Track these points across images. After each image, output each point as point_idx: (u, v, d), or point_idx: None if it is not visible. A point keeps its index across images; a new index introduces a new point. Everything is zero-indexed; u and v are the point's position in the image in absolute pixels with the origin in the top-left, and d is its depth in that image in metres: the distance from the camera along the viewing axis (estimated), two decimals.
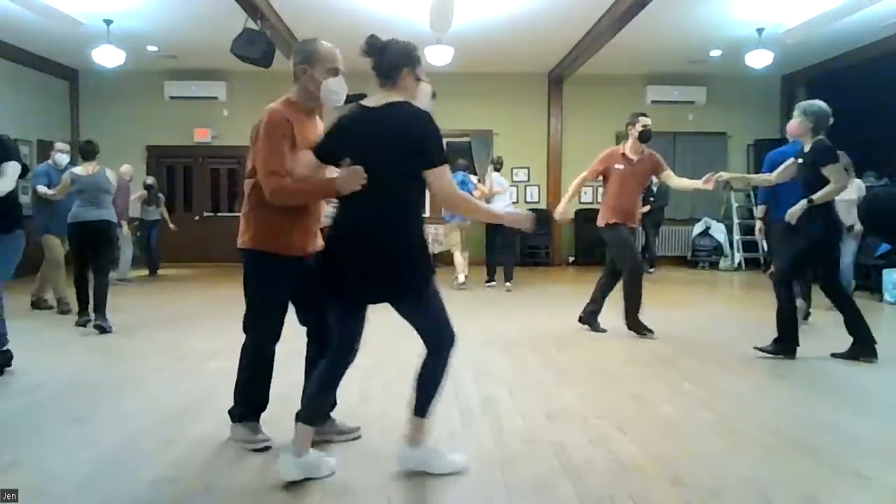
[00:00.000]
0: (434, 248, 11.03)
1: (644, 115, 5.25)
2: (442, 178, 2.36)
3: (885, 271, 7.07)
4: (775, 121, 11.41)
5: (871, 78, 9.14)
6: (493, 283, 8.58)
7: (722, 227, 11.29)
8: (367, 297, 2.46)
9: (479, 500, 2.33)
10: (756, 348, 4.42)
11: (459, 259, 8.47)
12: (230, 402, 2.82)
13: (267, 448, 2.72)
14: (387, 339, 5.07)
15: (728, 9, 7.88)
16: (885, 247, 7.50)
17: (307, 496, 2.33)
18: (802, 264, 4.66)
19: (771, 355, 4.36)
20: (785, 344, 4.36)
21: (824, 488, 2.39)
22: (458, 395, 3.54)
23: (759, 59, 8.82)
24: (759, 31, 8.53)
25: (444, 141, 10.85)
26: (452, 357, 2.47)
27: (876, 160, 8.49)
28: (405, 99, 2.43)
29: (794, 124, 4.57)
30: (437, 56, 8.73)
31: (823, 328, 5.58)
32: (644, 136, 5.17)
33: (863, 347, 4.30)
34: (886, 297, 6.94)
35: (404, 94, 2.45)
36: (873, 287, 7.32)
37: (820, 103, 4.36)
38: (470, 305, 6.83)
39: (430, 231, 11.05)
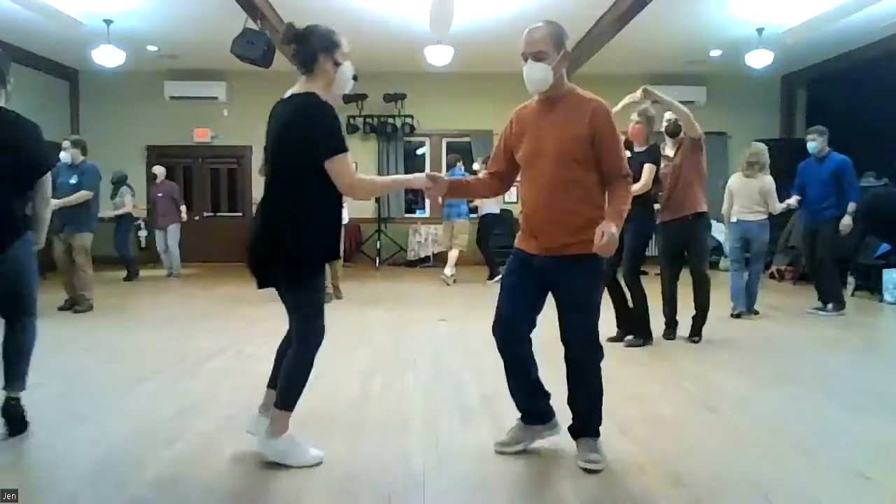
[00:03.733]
0: (433, 248, 11.07)
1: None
2: (338, 167, 2.41)
3: (885, 271, 7.06)
4: (775, 121, 11.40)
5: (871, 78, 9.13)
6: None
7: (722, 226, 11.24)
8: (259, 282, 2.54)
9: (478, 500, 2.33)
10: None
11: (454, 253, 8.65)
12: (230, 402, 2.80)
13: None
14: (387, 339, 5.09)
15: (728, 9, 7.87)
16: (885, 247, 7.49)
17: (306, 495, 2.33)
18: (640, 256, 4.86)
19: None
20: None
21: (824, 488, 2.40)
22: (459, 395, 3.54)
23: (759, 59, 8.81)
24: (759, 31, 8.52)
25: (444, 140, 10.81)
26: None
27: (876, 160, 8.48)
28: (324, 86, 2.50)
29: (637, 129, 4.92)
30: (437, 56, 8.72)
31: (822, 329, 5.58)
32: (670, 131, 5.48)
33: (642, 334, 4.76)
34: (886, 297, 6.93)
35: (323, 81, 2.51)
36: (873, 287, 7.31)
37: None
38: (470, 305, 6.82)
39: (431, 231, 11.09)
